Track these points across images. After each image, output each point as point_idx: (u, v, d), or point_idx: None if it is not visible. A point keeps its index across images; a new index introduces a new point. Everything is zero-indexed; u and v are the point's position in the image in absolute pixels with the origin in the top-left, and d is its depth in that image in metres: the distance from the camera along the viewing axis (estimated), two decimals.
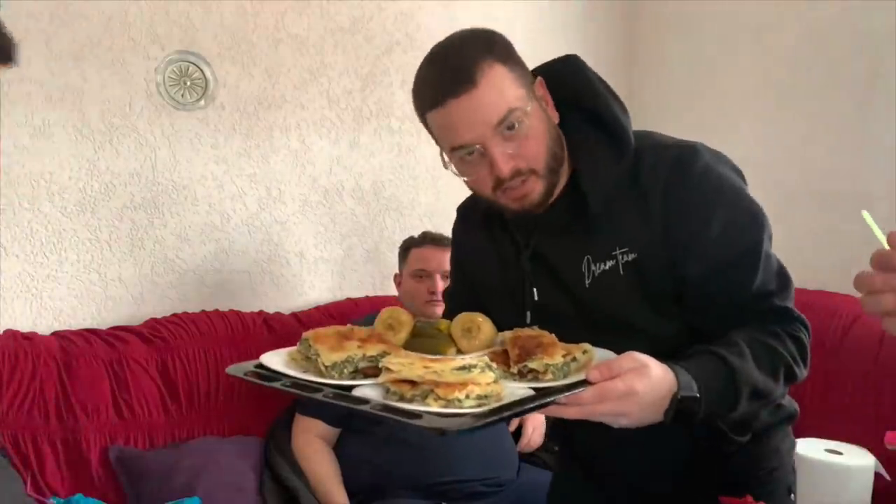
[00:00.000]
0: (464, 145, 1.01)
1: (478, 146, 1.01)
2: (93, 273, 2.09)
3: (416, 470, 1.84)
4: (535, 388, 0.92)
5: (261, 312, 2.23)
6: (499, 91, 0.99)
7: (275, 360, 1.01)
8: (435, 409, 0.84)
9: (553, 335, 1.01)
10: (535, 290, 1.15)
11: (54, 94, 2.02)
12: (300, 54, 2.36)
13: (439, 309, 1.98)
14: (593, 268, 1.09)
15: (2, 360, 1.80)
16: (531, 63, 1.11)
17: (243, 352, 2.07)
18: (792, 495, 1.22)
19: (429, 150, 2.60)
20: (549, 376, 0.95)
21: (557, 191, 1.10)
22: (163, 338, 2.02)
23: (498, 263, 1.20)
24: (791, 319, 1.06)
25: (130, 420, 1.92)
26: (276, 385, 0.95)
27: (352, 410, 0.88)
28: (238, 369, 0.99)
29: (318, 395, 0.91)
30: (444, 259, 2.09)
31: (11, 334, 1.90)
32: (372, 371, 0.96)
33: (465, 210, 1.31)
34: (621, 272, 1.07)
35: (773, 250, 1.08)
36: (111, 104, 2.09)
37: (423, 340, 1.07)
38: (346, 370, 0.95)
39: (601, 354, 1.00)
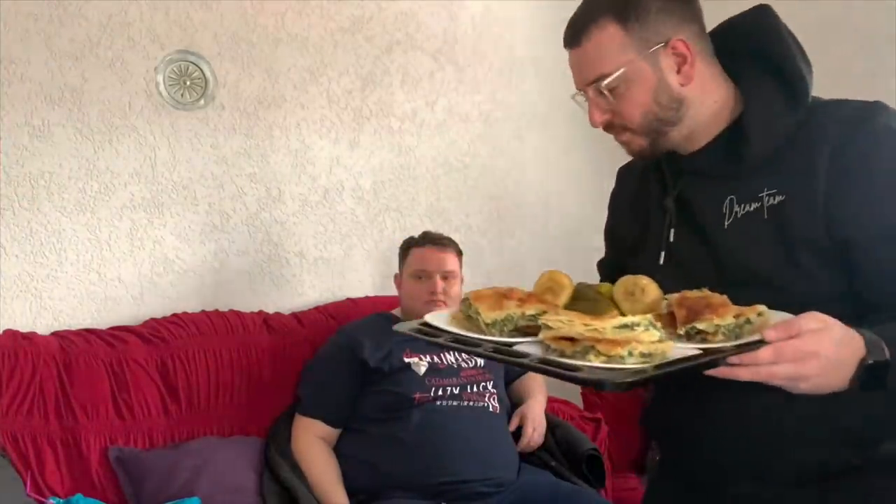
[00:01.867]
0: (577, 89, 1.11)
1: (582, 92, 1.10)
2: (92, 273, 2.09)
3: (416, 470, 1.84)
4: (704, 350, 0.86)
5: (261, 312, 2.23)
6: (598, 54, 1.05)
7: (437, 319, 1.04)
8: (596, 363, 0.81)
9: (724, 297, 0.94)
10: (672, 230, 1.12)
11: (54, 94, 2.02)
12: (300, 54, 2.36)
13: (439, 310, 1.97)
14: (736, 208, 1.04)
15: (2, 360, 1.80)
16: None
17: (243, 353, 2.07)
18: None
19: (429, 149, 2.61)
20: (720, 338, 0.88)
21: (715, 132, 1.08)
22: (163, 338, 2.02)
23: (647, 211, 1.18)
24: None
25: (130, 420, 1.92)
26: (439, 340, 0.97)
27: (510, 364, 0.90)
28: (404, 326, 1.05)
29: (479, 350, 0.93)
30: (444, 259, 2.08)
31: (11, 334, 1.90)
32: (532, 329, 0.95)
33: (622, 170, 1.32)
34: (765, 216, 1.01)
35: None
36: (111, 104, 2.09)
37: (584, 304, 1.04)
38: (506, 328, 0.96)
39: (779, 318, 0.90)
